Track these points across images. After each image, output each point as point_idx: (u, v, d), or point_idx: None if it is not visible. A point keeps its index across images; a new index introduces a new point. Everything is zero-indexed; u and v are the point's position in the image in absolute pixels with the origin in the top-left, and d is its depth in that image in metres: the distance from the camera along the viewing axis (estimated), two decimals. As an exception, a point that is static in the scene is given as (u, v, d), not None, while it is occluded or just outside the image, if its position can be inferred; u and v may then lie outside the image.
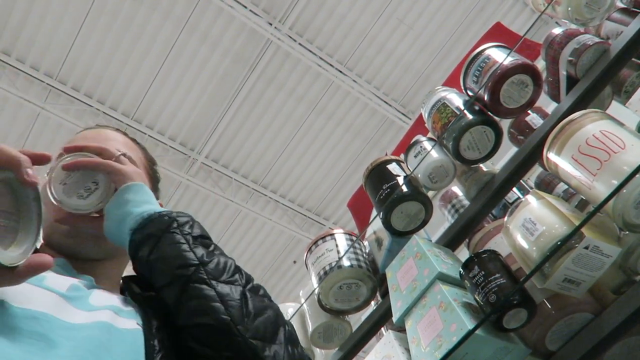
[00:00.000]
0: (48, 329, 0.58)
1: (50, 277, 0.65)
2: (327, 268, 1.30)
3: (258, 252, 7.82)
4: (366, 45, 6.46)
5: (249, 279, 0.74)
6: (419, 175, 1.29)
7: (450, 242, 1.24)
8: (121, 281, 0.84)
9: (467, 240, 1.30)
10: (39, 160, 0.62)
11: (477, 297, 0.90)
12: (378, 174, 1.34)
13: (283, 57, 6.36)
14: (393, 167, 1.33)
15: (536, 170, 1.55)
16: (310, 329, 1.37)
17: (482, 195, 1.23)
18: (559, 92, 1.24)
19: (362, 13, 6.24)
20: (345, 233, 1.43)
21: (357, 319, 1.47)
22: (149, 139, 6.64)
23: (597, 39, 1.17)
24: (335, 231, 1.43)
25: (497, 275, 0.89)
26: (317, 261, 1.36)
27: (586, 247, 0.80)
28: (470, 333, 0.84)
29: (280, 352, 0.67)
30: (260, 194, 7.34)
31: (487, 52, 1.24)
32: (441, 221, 1.61)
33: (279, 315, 0.72)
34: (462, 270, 0.96)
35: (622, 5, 1.29)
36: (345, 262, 1.30)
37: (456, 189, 1.55)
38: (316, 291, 1.32)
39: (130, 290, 0.76)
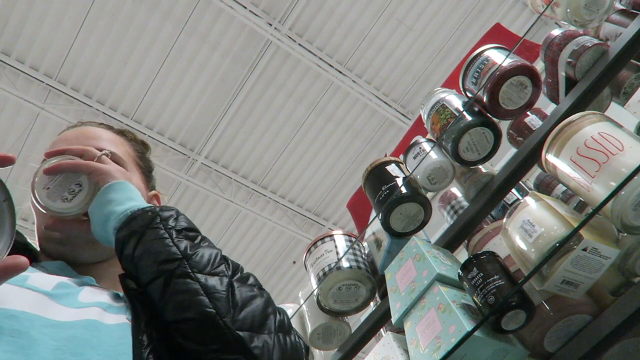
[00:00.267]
0: (29, 327, 0.57)
1: (34, 276, 0.65)
2: (327, 269, 1.30)
3: (258, 252, 7.82)
4: (366, 46, 6.46)
5: (236, 269, 0.73)
6: (418, 177, 1.29)
7: (449, 243, 1.24)
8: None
9: (466, 241, 1.30)
10: (2, 162, 0.62)
11: (475, 299, 0.90)
12: (377, 175, 1.34)
13: (283, 58, 6.37)
14: (392, 168, 1.33)
15: (535, 172, 1.55)
16: (309, 330, 1.37)
17: (481, 196, 1.23)
18: (558, 94, 1.24)
19: (362, 14, 6.25)
20: (344, 234, 1.43)
21: (356, 320, 1.47)
22: (148, 140, 6.60)
23: (596, 41, 1.17)
24: (334, 232, 1.43)
25: (495, 276, 0.89)
26: (316, 262, 1.36)
27: (584, 249, 0.80)
28: (469, 334, 0.84)
29: (270, 341, 0.66)
30: (260, 194, 7.34)
31: (486, 53, 1.25)
32: (440, 222, 1.61)
33: (268, 304, 0.71)
34: (460, 272, 0.96)
35: (621, 7, 1.29)
36: (345, 263, 1.30)
37: (455, 190, 1.55)
38: (315, 292, 1.32)
39: (125, 286, 0.76)
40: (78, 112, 6.24)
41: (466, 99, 1.28)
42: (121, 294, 0.72)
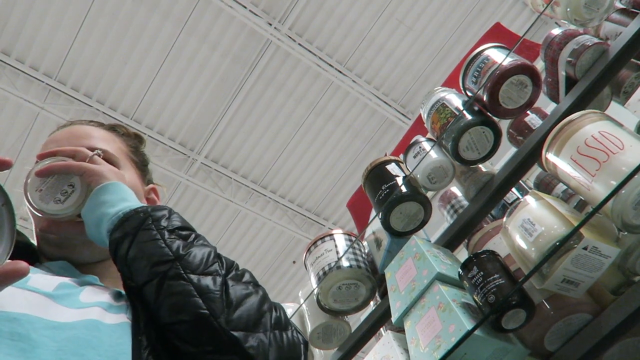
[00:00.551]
0: (30, 329, 0.57)
1: (35, 277, 0.65)
2: (326, 268, 1.30)
3: (258, 252, 7.82)
4: (366, 46, 6.46)
5: (230, 267, 0.72)
6: (418, 176, 1.29)
7: (449, 242, 1.24)
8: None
9: (466, 240, 1.30)
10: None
11: (476, 298, 0.90)
12: (377, 175, 1.34)
13: (283, 58, 6.37)
14: (392, 168, 1.33)
15: (535, 171, 1.55)
16: (309, 329, 1.37)
17: (481, 195, 1.23)
18: (558, 93, 1.24)
19: (362, 13, 6.25)
20: (344, 233, 1.43)
21: (356, 320, 1.47)
22: (148, 139, 6.61)
23: (596, 40, 1.17)
24: (334, 231, 1.43)
25: (496, 275, 0.89)
26: (316, 261, 1.36)
27: (585, 248, 0.80)
28: (469, 333, 0.84)
29: (265, 340, 0.66)
30: (260, 194, 7.34)
31: (486, 52, 1.24)
32: (440, 222, 1.61)
33: (264, 301, 0.70)
34: (461, 271, 0.96)
35: (621, 6, 1.29)
36: (345, 263, 1.30)
37: (455, 190, 1.55)
38: (315, 291, 1.32)
39: (126, 285, 0.75)
40: (78, 112, 6.24)
41: (466, 98, 1.28)
42: (123, 292, 0.72)
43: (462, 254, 1.27)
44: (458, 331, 0.85)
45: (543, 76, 1.24)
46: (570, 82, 1.19)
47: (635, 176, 0.76)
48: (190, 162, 6.90)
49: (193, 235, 0.73)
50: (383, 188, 1.27)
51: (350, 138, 7.06)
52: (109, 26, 5.84)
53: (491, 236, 1.17)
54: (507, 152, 1.46)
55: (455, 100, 1.28)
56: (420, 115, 1.46)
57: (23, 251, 0.76)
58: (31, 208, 0.75)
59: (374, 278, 1.31)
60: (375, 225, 1.41)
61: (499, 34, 2.23)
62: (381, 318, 1.27)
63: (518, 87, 1.16)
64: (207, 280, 0.66)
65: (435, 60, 6.66)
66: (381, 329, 1.34)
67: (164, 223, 0.71)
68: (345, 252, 1.33)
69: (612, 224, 0.85)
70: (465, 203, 1.43)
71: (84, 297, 0.66)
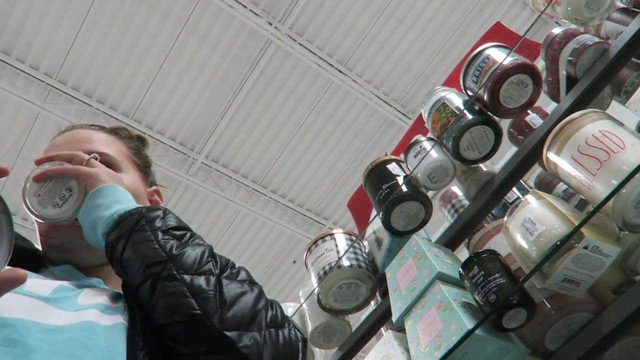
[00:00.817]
0: (24, 334, 0.56)
1: (31, 282, 0.64)
2: (327, 268, 1.30)
3: (258, 252, 7.83)
4: (366, 45, 6.46)
5: (225, 265, 0.71)
6: (419, 175, 1.29)
7: (449, 242, 1.24)
8: None
9: (466, 240, 1.30)
10: None
11: (476, 297, 0.90)
12: (378, 174, 1.34)
13: (283, 57, 6.36)
14: (393, 167, 1.33)
15: (536, 170, 1.55)
16: (309, 328, 1.37)
17: (482, 195, 1.23)
18: (559, 92, 1.24)
19: (362, 13, 6.25)
20: (344, 233, 1.43)
21: (356, 319, 1.47)
22: (148, 139, 6.60)
23: (596, 39, 1.17)
24: (334, 231, 1.42)
25: (496, 275, 0.89)
26: (316, 261, 1.35)
27: (586, 247, 0.80)
28: (470, 333, 0.84)
29: (259, 338, 0.65)
30: (260, 193, 7.34)
31: (486, 51, 1.24)
32: (441, 221, 1.61)
33: (259, 299, 0.69)
34: (461, 270, 0.96)
35: (622, 5, 1.28)
36: (345, 262, 1.30)
37: (456, 189, 1.55)
38: (316, 291, 1.32)
39: (124, 286, 0.75)
40: (78, 112, 6.25)
41: (467, 98, 1.28)
42: (122, 293, 0.72)
43: (463, 253, 1.27)
44: (459, 330, 0.85)
45: (544, 75, 1.24)
46: (571, 82, 1.19)
47: (636, 175, 0.76)
48: (191, 161, 6.90)
49: (188, 235, 0.72)
50: (384, 187, 1.27)
51: (351, 138, 7.06)
52: (109, 26, 5.84)
53: (492, 235, 1.17)
54: (507, 151, 1.46)
55: (455, 100, 1.28)
56: (420, 115, 1.46)
57: (28, 257, 0.76)
58: (30, 213, 0.75)
59: (374, 277, 1.31)
60: (375, 224, 1.41)
61: (499, 34, 2.23)
62: (382, 317, 1.27)
63: (519, 86, 1.16)
64: (201, 280, 0.65)
65: (435, 60, 6.66)
66: (382, 328, 1.34)
67: (158, 224, 0.71)
68: (346, 251, 1.33)
69: (613, 223, 0.85)
70: (466, 202, 1.43)
71: (81, 300, 0.66)
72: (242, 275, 0.72)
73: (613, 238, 0.86)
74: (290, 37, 6.23)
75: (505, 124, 1.33)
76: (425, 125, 1.36)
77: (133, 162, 0.93)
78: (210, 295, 0.65)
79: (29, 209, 0.76)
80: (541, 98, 1.21)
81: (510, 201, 1.44)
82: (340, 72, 6.55)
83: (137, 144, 0.98)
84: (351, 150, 7.15)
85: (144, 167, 0.96)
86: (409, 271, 1.08)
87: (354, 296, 1.32)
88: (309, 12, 6.16)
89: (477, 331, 0.84)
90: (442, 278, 1.00)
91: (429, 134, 1.43)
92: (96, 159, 0.83)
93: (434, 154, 1.28)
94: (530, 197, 0.95)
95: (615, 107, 1.31)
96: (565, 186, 1.41)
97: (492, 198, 1.22)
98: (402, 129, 6.72)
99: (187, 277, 0.65)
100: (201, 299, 0.64)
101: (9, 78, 5.89)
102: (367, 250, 1.42)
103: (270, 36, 6.13)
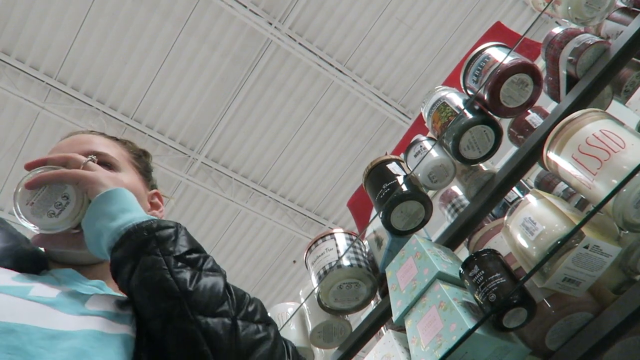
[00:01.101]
0: (26, 341, 0.56)
1: (37, 287, 0.64)
2: (327, 267, 1.30)
3: (258, 251, 7.82)
4: (366, 45, 6.46)
5: (240, 303, 0.67)
6: (419, 175, 1.29)
7: (450, 241, 1.24)
8: None
9: (466, 239, 1.30)
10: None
11: (477, 297, 0.90)
12: (378, 174, 1.34)
13: (283, 57, 6.36)
14: (393, 167, 1.33)
15: (536, 170, 1.55)
16: (310, 328, 1.37)
17: (482, 194, 1.23)
18: (559, 92, 1.24)
19: (362, 13, 6.25)
20: (345, 232, 1.43)
21: (356, 319, 1.47)
22: (148, 139, 6.64)
23: (597, 39, 1.17)
24: (335, 231, 1.43)
25: (497, 274, 0.89)
26: (316, 260, 1.36)
27: (586, 247, 0.80)
28: (470, 332, 0.84)
29: None
30: (260, 193, 7.34)
31: (487, 51, 1.24)
32: (441, 221, 1.61)
33: (275, 348, 0.67)
34: (461, 270, 0.96)
35: (622, 5, 1.28)
36: (345, 262, 1.30)
37: (456, 189, 1.55)
38: (316, 291, 1.32)
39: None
40: (78, 112, 6.25)
41: (467, 97, 1.28)
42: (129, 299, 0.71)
43: (463, 253, 1.27)
44: (459, 330, 0.85)
45: (544, 75, 1.24)
46: (571, 81, 1.19)
47: (637, 175, 0.76)
48: (191, 161, 6.90)
49: (201, 260, 0.67)
50: (384, 187, 1.27)
51: (351, 138, 7.06)
52: (109, 26, 5.84)
53: (492, 235, 1.17)
54: (508, 151, 1.46)
55: (456, 99, 1.28)
56: (420, 115, 1.46)
57: (33, 259, 0.76)
58: (23, 223, 0.70)
59: (374, 277, 1.31)
60: (376, 224, 1.41)
61: (499, 33, 2.23)
62: (382, 317, 1.27)
63: (519, 85, 1.16)
64: (216, 325, 0.62)
65: (435, 60, 6.66)
66: (382, 328, 1.34)
67: (170, 247, 0.65)
68: (346, 251, 1.33)
69: (614, 223, 0.85)
70: (466, 202, 1.43)
71: (89, 305, 0.65)
72: (258, 314, 0.68)
73: (613, 237, 0.86)
74: (290, 36, 6.23)
75: (505, 123, 1.33)
76: (426, 124, 1.36)
77: (133, 165, 0.91)
78: (225, 344, 0.62)
79: (22, 219, 0.69)
80: (541, 97, 1.21)
81: (510, 201, 1.44)
82: (340, 71, 6.54)
83: (138, 152, 0.96)
84: (351, 150, 7.15)
85: (145, 171, 0.94)
86: (409, 271, 1.08)
87: (354, 296, 1.32)
88: (309, 12, 6.16)
89: (478, 331, 0.84)
90: (443, 277, 1.00)
91: (429, 134, 1.43)
92: (93, 161, 0.76)
93: (434, 153, 1.28)
94: (530, 197, 0.95)
95: (615, 107, 1.31)
96: (566, 186, 1.41)
97: (493, 197, 1.22)
98: (402, 129, 6.72)
99: (202, 320, 0.61)
100: (216, 349, 0.61)
101: (9, 78, 5.89)
102: (367, 250, 1.42)
103: (270, 36, 6.13)
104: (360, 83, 6.65)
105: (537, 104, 1.23)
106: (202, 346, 0.60)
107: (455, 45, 6.53)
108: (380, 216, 1.26)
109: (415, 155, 1.36)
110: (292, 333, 1.43)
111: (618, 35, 1.18)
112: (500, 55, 1.19)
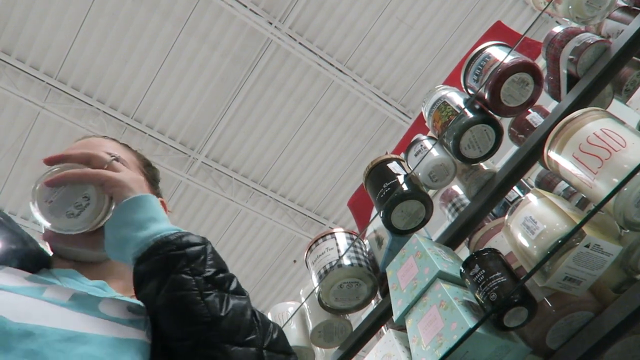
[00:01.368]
0: (43, 344, 0.56)
1: (51, 288, 0.64)
2: (328, 267, 1.30)
3: (258, 251, 7.83)
4: (366, 45, 6.46)
5: (266, 332, 0.66)
6: (420, 174, 1.29)
7: (450, 240, 1.24)
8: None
9: (467, 239, 1.30)
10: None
11: (477, 296, 0.90)
12: (378, 173, 1.34)
13: (283, 57, 6.36)
14: (393, 166, 1.33)
15: (537, 169, 1.55)
16: (310, 327, 1.37)
17: (483, 194, 1.23)
18: (560, 91, 1.24)
19: (363, 12, 6.24)
20: (345, 232, 1.43)
21: (357, 318, 1.47)
22: (149, 139, 6.64)
23: (597, 38, 1.17)
24: (335, 230, 1.43)
25: (497, 273, 0.89)
26: (317, 260, 1.35)
27: (587, 246, 0.80)
28: (471, 332, 0.84)
29: None
30: (260, 193, 7.34)
31: (487, 50, 1.24)
32: (441, 220, 1.61)
33: None
34: (462, 269, 0.96)
35: (623, 4, 1.28)
36: (346, 261, 1.30)
37: (456, 188, 1.54)
38: (316, 290, 1.32)
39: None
40: (78, 112, 6.25)
41: (467, 97, 1.28)
42: (142, 304, 0.69)
43: (464, 252, 1.27)
44: (460, 329, 0.85)
45: (544, 74, 1.23)
46: (572, 80, 1.19)
47: (638, 174, 0.76)
48: (191, 161, 6.90)
49: (227, 282, 0.66)
50: (384, 186, 1.27)
51: (351, 137, 7.06)
52: (109, 26, 5.84)
53: (493, 234, 1.17)
54: (508, 150, 1.46)
55: (456, 99, 1.28)
56: (421, 114, 1.46)
57: (36, 257, 0.75)
58: (39, 220, 0.67)
59: (375, 276, 1.31)
60: (376, 223, 1.41)
61: (500, 33, 2.23)
62: (382, 316, 1.27)
63: (519, 85, 1.16)
64: (243, 353, 0.62)
65: (435, 59, 6.66)
66: (382, 327, 1.34)
67: (200, 267, 0.64)
68: (347, 250, 1.33)
69: (615, 222, 0.85)
70: (467, 201, 1.43)
71: (103, 308, 0.64)
72: (281, 343, 0.68)
73: (614, 236, 0.86)
74: (291, 36, 6.22)
75: (506, 122, 1.33)
76: (426, 124, 1.36)
77: (142, 172, 0.91)
78: None
79: (40, 217, 0.66)
80: (542, 97, 1.21)
81: (511, 200, 1.44)
82: (341, 71, 6.54)
83: (147, 161, 0.95)
84: (351, 149, 7.15)
85: (152, 180, 0.94)
86: (409, 270, 1.08)
87: (354, 295, 1.32)
88: (309, 12, 6.16)
89: (478, 330, 0.84)
90: (443, 277, 1.00)
91: (430, 133, 1.43)
92: (117, 160, 0.72)
93: (435, 152, 1.28)
94: (531, 196, 0.95)
95: (616, 106, 1.31)
96: (567, 185, 1.41)
97: (493, 197, 1.21)
98: (403, 129, 6.72)
99: (229, 348, 0.61)
100: None
101: (9, 78, 5.89)
102: (367, 249, 1.42)
103: (270, 35, 6.13)
104: (360, 83, 6.65)
105: (537, 103, 1.23)
106: None
107: (455, 45, 6.53)
108: (381, 215, 1.26)
109: (416, 155, 1.36)
110: (292, 332, 1.43)
111: (619, 34, 1.17)
112: (500, 55, 1.19)
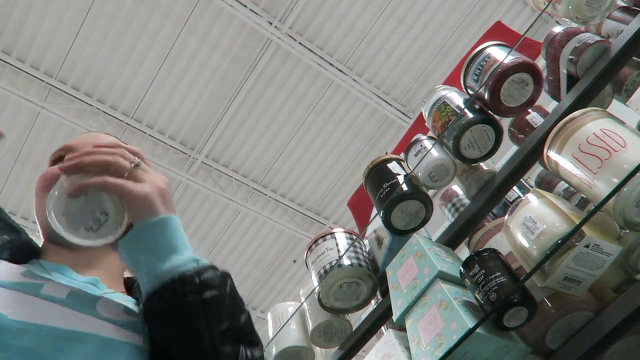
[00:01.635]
0: (40, 342, 0.56)
1: (48, 285, 0.64)
2: (328, 267, 1.30)
3: (258, 251, 7.82)
4: (366, 45, 6.46)
5: None
6: (419, 174, 1.29)
7: (450, 240, 1.24)
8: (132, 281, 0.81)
9: (467, 239, 1.30)
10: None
11: (477, 296, 0.90)
12: (378, 173, 1.34)
13: (283, 57, 6.36)
14: (393, 166, 1.33)
15: (537, 169, 1.55)
16: (310, 327, 1.37)
17: (483, 194, 1.23)
18: (560, 91, 1.24)
19: (363, 12, 6.24)
20: (345, 232, 1.43)
21: (357, 318, 1.47)
22: (149, 139, 6.64)
23: (597, 38, 1.17)
24: (335, 230, 1.43)
25: (497, 273, 0.89)
26: (317, 260, 1.36)
27: (587, 246, 0.80)
28: (471, 332, 0.84)
29: None
30: (260, 193, 7.34)
31: (487, 50, 1.24)
32: (441, 220, 1.61)
33: None
34: (462, 269, 0.96)
35: (623, 4, 1.28)
36: (346, 261, 1.30)
37: (456, 188, 1.54)
38: (316, 290, 1.32)
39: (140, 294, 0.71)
40: (78, 111, 6.25)
41: (467, 97, 1.28)
42: (137, 306, 0.69)
43: (464, 252, 1.27)
44: (460, 329, 0.85)
45: (544, 74, 1.23)
46: (572, 80, 1.19)
47: (638, 174, 0.76)
48: (191, 161, 6.90)
49: (243, 332, 0.65)
50: (384, 186, 1.27)
51: (351, 137, 7.06)
52: (109, 26, 5.84)
53: (492, 234, 1.17)
54: (508, 150, 1.46)
55: (456, 99, 1.28)
56: (420, 114, 1.46)
57: (26, 249, 0.75)
58: (58, 234, 0.63)
59: (375, 276, 1.31)
60: (376, 223, 1.41)
61: (499, 33, 2.23)
62: (382, 316, 1.27)
63: (519, 85, 1.16)
64: None
65: (435, 59, 6.66)
66: (382, 327, 1.34)
67: (216, 318, 0.61)
68: (347, 250, 1.33)
69: (614, 222, 0.85)
70: (467, 201, 1.43)
71: (100, 308, 0.64)
72: None
73: (614, 237, 0.86)
74: (291, 36, 6.22)
75: (506, 122, 1.33)
76: (426, 124, 1.36)
77: None
78: None
79: (57, 230, 0.62)
80: (542, 97, 1.21)
81: (511, 200, 1.44)
82: (341, 71, 6.54)
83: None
84: (351, 149, 7.15)
85: None
86: (409, 270, 1.08)
87: (354, 295, 1.32)
88: (309, 12, 6.16)
89: (478, 330, 0.84)
90: (443, 277, 1.00)
91: (430, 133, 1.43)
92: (135, 162, 0.65)
93: (435, 152, 1.28)
94: (531, 196, 0.95)
95: (616, 106, 1.31)
96: (566, 185, 1.41)
97: (493, 197, 1.21)
98: (403, 129, 6.72)
99: None
100: None
101: (9, 77, 5.89)
102: (367, 249, 1.42)
103: (270, 35, 6.13)
104: (360, 83, 6.65)
105: (537, 103, 1.23)
106: None
107: (455, 45, 6.52)
108: (381, 215, 1.26)
109: (416, 155, 1.36)
110: (292, 332, 1.43)
111: (619, 35, 1.17)
112: (500, 55, 1.19)
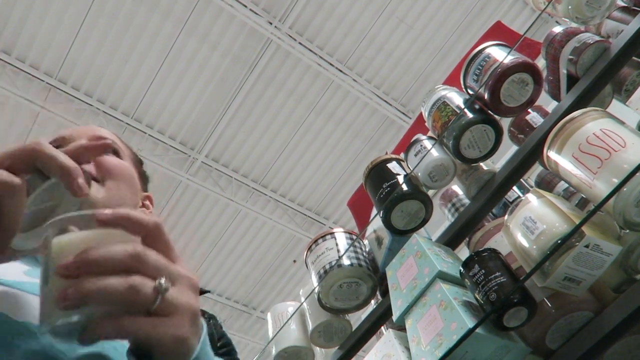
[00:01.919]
0: (45, 344, 0.55)
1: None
2: (327, 267, 1.30)
3: (258, 251, 7.82)
4: (366, 45, 6.46)
5: None
6: (419, 174, 1.29)
7: (450, 240, 1.24)
8: None
9: (467, 239, 1.30)
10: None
11: (477, 296, 0.90)
12: (378, 173, 1.34)
13: (283, 57, 6.36)
14: (393, 166, 1.33)
15: (536, 169, 1.55)
16: (310, 327, 1.37)
17: (483, 194, 1.23)
18: (560, 91, 1.24)
19: (363, 12, 6.24)
20: (345, 232, 1.43)
21: (357, 318, 1.47)
22: (149, 139, 6.64)
23: (597, 38, 1.17)
24: (335, 230, 1.43)
25: (497, 273, 0.89)
26: (317, 260, 1.35)
27: (587, 246, 0.80)
28: (471, 332, 0.84)
29: None
30: (260, 193, 7.34)
31: (487, 50, 1.24)
32: (441, 220, 1.61)
33: None
34: (462, 269, 0.96)
35: (623, 4, 1.28)
36: (345, 261, 1.30)
37: (456, 188, 1.54)
38: (316, 290, 1.32)
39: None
40: (78, 111, 6.25)
41: (467, 97, 1.28)
42: None
43: (464, 252, 1.27)
44: (459, 329, 0.85)
45: (544, 74, 1.23)
46: (572, 80, 1.19)
47: (637, 174, 0.76)
48: (191, 161, 6.90)
49: None
50: (384, 186, 1.27)
51: (351, 137, 7.06)
52: (109, 26, 5.84)
53: (492, 234, 1.17)
54: (508, 150, 1.46)
55: (456, 99, 1.28)
56: (420, 114, 1.46)
57: None
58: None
59: (375, 276, 1.31)
60: (376, 223, 1.41)
61: (499, 33, 2.23)
62: (382, 316, 1.27)
63: (519, 85, 1.16)
64: None
65: (435, 59, 6.66)
66: (382, 327, 1.34)
67: None
68: (346, 250, 1.33)
69: (614, 222, 0.85)
70: (467, 201, 1.43)
71: None
72: None
73: (614, 237, 0.86)
74: (291, 36, 6.22)
75: (505, 122, 1.33)
76: (426, 124, 1.36)
77: (134, 163, 0.92)
78: None
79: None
80: (542, 97, 1.21)
81: (510, 200, 1.44)
82: (341, 71, 6.54)
83: (138, 157, 0.96)
84: (351, 149, 7.15)
85: (141, 174, 0.95)
86: (409, 270, 1.08)
87: (354, 295, 1.32)
88: (309, 12, 6.16)
89: (478, 330, 0.84)
90: (443, 277, 1.00)
91: (430, 133, 1.43)
92: (161, 289, 0.44)
93: (435, 152, 1.28)
94: (531, 196, 0.95)
95: (616, 106, 1.31)
96: (566, 185, 1.41)
97: (493, 197, 1.21)
98: (402, 129, 6.72)
99: None
100: None
101: (9, 77, 5.89)
102: (367, 249, 1.41)
103: (270, 35, 6.13)
104: (360, 82, 6.65)
105: (537, 103, 1.23)
106: None
107: (455, 45, 6.52)
108: (381, 215, 1.26)
109: (416, 155, 1.36)
110: (292, 332, 1.43)
111: (618, 35, 1.17)
112: (500, 55, 1.19)
